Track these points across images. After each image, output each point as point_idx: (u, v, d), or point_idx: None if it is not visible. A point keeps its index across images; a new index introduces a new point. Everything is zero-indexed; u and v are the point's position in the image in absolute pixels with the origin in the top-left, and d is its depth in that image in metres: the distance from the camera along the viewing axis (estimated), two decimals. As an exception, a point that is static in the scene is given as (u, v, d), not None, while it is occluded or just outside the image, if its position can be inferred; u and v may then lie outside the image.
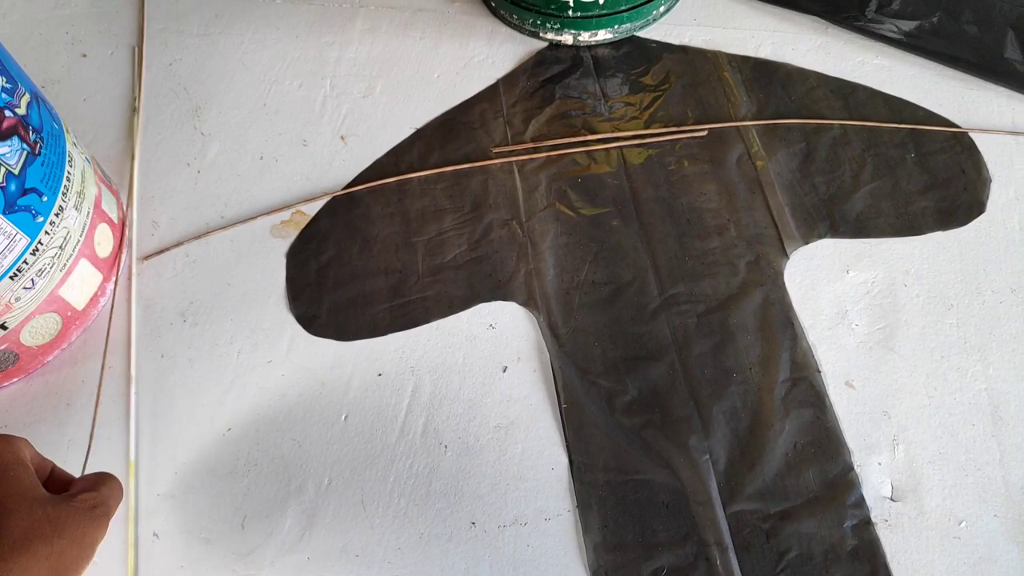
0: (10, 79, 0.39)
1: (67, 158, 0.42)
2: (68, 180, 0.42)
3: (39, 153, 0.40)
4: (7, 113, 0.38)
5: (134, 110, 0.53)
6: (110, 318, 0.46)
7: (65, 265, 0.42)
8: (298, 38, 0.55)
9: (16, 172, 0.38)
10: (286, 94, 0.53)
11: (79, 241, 0.43)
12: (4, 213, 0.38)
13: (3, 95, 0.37)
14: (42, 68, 0.55)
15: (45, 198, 0.40)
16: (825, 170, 0.48)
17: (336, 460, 0.41)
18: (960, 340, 0.43)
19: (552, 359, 0.43)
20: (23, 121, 0.39)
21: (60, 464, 0.34)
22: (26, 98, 0.39)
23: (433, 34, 0.55)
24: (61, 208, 0.41)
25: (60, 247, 0.42)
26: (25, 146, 0.38)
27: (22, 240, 0.39)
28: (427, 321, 0.45)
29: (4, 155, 0.37)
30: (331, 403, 0.43)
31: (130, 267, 0.47)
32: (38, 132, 0.40)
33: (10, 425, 0.43)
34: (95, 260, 0.45)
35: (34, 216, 0.40)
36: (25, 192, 0.39)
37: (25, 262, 0.40)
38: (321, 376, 0.44)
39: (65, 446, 0.43)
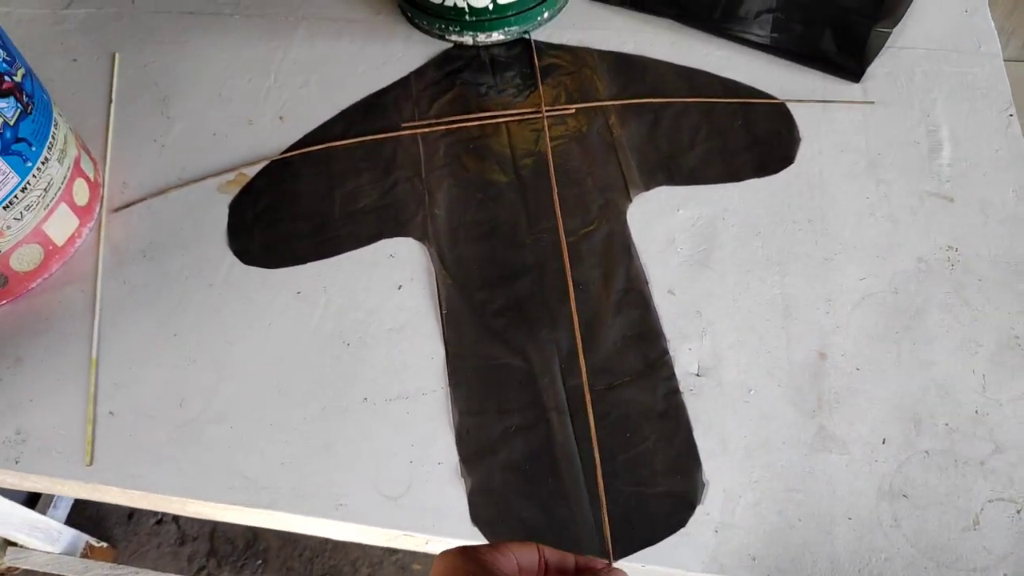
0: (9, 55, 0.50)
1: (53, 122, 0.54)
2: (53, 139, 0.53)
3: (30, 112, 0.51)
4: (6, 79, 0.49)
5: (110, 100, 0.64)
6: (96, 254, 0.56)
7: (48, 205, 0.53)
8: (250, 43, 0.68)
9: (12, 123, 0.49)
10: (238, 86, 0.65)
11: (60, 188, 0.54)
12: (1, 154, 0.49)
13: (3, 64, 0.49)
14: (39, 70, 0.66)
15: (34, 148, 0.51)
16: (667, 135, 0.59)
17: (259, 355, 0.51)
18: (764, 258, 0.53)
19: (438, 278, 0.54)
20: (18, 86, 0.50)
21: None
22: (21, 71, 0.51)
23: (360, 39, 0.67)
24: (46, 159, 0.53)
25: (44, 190, 0.53)
26: (19, 105, 0.50)
27: (14, 178, 0.50)
28: (339, 252, 0.55)
29: (3, 109, 0.48)
30: (258, 314, 0.53)
31: (101, 217, 0.58)
32: (30, 97, 0.51)
33: (0, 338, 0.53)
34: (73, 206, 0.56)
35: (24, 160, 0.51)
36: (18, 140, 0.50)
37: (16, 197, 0.51)
38: (251, 295, 0.54)
39: (41, 352, 0.53)
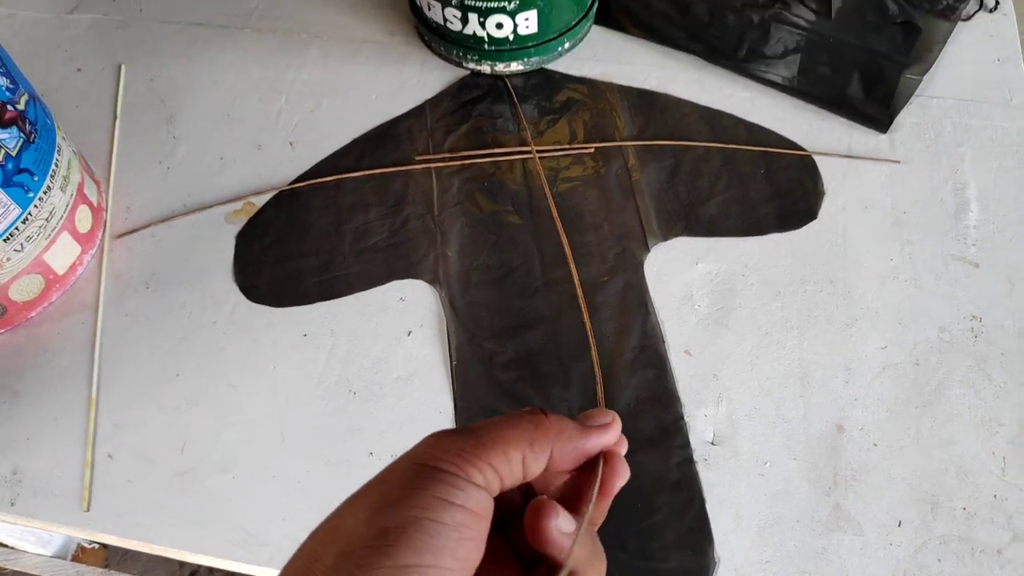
0: (12, 81, 0.48)
1: (56, 148, 0.52)
2: (56, 166, 0.51)
3: (33, 141, 0.49)
4: (8, 108, 0.47)
5: (115, 116, 0.62)
6: (98, 282, 0.55)
7: (49, 235, 0.52)
8: (261, 61, 0.66)
9: (13, 154, 0.47)
10: (247, 107, 0.63)
11: (62, 216, 0.53)
12: (2, 186, 0.47)
13: (6, 92, 0.47)
14: (42, 79, 0.65)
15: (36, 178, 0.50)
16: (687, 181, 0.58)
17: (263, 401, 0.50)
18: (783, 320, 0.52)
19: (448, 325, 0.52)
20: (21, 115, 0.48)
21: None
22: (25, 97, 0.49)
23: (375, 61, 0.65)
24: (49, 188, 0.51)
25: (46, 219, 0.51)
26: (22, 135, 0.48)
27: (15, 210, 0.48)
28: (348, 293, 0.54)
29: (4, 140, 0.47)
30: (263, 356, 0.52)
31: (104, 243, 0.56)
32: (33, 125, 0.49)
33: (-4, 368, 0.52)
34: (75, 234, 0.54)
35: (26, 191, 0.49)
36: (20, 171, 0.48)
37: (17, 228, 0.49)
38: (256, 335, 0.53)
39: (39, 387, 0.51)
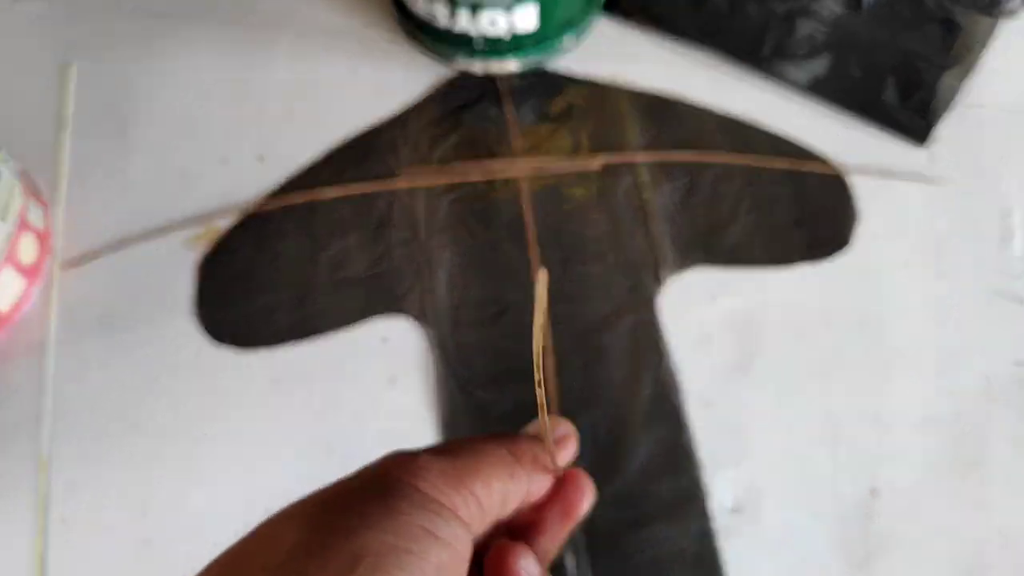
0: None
1: (-10, 174, 0.46)
2: (-10, 194, 0.45)
3: (-41, 170, 0.43)
4: (-73, 134, 0.41)
5: (64, 124, 0.56)
6: (49, 320, 0.49)
7: (-14, 273, 0.46)
8: (225, 58, 0.58)
9: (-65, 189, 0.41)
10: (210, 113, 0.56)
11: (3, 251, 0.46)
12: (-78, 227, 0.41)
13: (-78, 118, 0.41)
14: (-18, 78, 0.58)
15: (-35, 212, 0.43)
16: (706, 203, 0.52)
17: (230, 458, 0.45)
18: (810, 366, 0.47)
19: (437, 372, 0.47)
20: (-57, 141, 0.42)
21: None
22: (-52, 119, 0.43)
23: (352, 57, 0.58)
24: (-18, 221, 0.45)
25: (-19, 257, 0.45)
26: (-56, 165, 0.42)
27: (-59, 251, 0.42)
28: (324, 332, 0.48)
29: (-78, 174, 0.40)
30: (229, 406, 0.46)
31: (52, 273, 0.51)
32: (-41, 151, 0.43)
33: (-67, 419, 0.46)
34: (19, 267, 0.48)
35: (-47, 229, 0.43)
36: (-56, 207, 0.42)
37: (-56, 271, 0.43)
38: (222, 381, 0.47)
39: (-17, 440, 0.46)
